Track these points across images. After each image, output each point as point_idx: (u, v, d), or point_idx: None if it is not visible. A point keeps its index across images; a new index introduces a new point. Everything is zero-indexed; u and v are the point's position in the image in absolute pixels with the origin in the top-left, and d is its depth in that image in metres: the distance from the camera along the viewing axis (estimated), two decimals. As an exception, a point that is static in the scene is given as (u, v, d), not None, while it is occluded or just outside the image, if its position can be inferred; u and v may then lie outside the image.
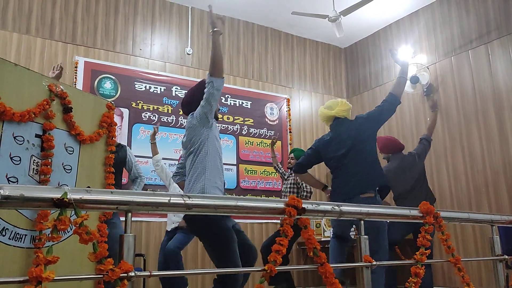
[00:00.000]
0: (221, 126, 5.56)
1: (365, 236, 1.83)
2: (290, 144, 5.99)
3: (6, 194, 1.14)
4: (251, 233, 5.39)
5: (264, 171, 5.73)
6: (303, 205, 1.65)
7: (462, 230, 4.91)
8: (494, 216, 2.56)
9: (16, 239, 1.84)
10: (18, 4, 4.66)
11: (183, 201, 1.46)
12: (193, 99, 2.60)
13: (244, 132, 5.72)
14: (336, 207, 1.78)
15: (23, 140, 1.93)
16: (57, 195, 1.21)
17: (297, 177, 4.28)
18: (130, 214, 1.37)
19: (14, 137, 1.89)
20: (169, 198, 1.45)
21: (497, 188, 4.69)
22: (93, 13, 5.08)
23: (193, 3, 5.66)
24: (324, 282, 1.67)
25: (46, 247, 1.89)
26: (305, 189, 4.46)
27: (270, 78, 6.14)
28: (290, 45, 6.44)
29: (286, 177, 4.76)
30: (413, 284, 1.89)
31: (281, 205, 1.64)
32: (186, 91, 2.92)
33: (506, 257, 2.39)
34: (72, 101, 2.18)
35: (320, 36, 6.53)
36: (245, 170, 5.61)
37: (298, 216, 1.64)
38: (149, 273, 1.37)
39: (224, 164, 5.35)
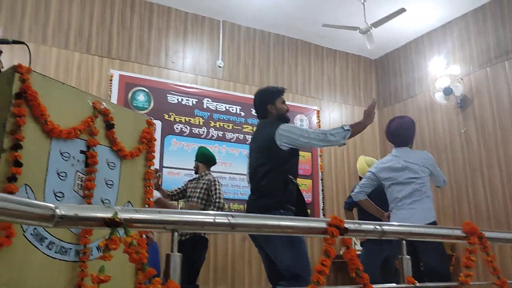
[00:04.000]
0: (251, 138, 5.57)
1: (407, 256, 1.80)
2: (320, 156, 5.95)
3: (62, 213, 1.18)
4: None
5: (294, 183, 5.70)
6: (345, 225, 1.64)
7: (500, 250, 4.73)
8: (539, 236, 2.47)
9: (61, 252, 1.89)
10: (58, 19, 4.82)
11: (227, 221, 1.48)
12: (411, 133, 3.41)
13: (274, 144, 5.72)
14: (378, 227, 1.76)
15: (69, 156, 1.98)
16: (108, 214, 1.25)
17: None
18: (176, 233, 1.40)
19: (61, 154, 1.95)
20: (214, 218, 1.47)
21: (536, 203, 4.53)
22: (128, 27, 5.20)
23: (225, 17, 5.73)
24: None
25: (90, 260, 1.94)
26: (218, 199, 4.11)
27: (300, 90, 6.14)
28: (320, 57, 6.43)
29: (187, 190, 4.29)
30: (456, 306, 1.84)
31: (323, 225, 1.63)
32: (399, 124, 3.45)
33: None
34: (114, 118, 2.23)
35: (350, 47, 6.50)
36: (275, 181, 5.59)
37: (341, 236, 1.63)
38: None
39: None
